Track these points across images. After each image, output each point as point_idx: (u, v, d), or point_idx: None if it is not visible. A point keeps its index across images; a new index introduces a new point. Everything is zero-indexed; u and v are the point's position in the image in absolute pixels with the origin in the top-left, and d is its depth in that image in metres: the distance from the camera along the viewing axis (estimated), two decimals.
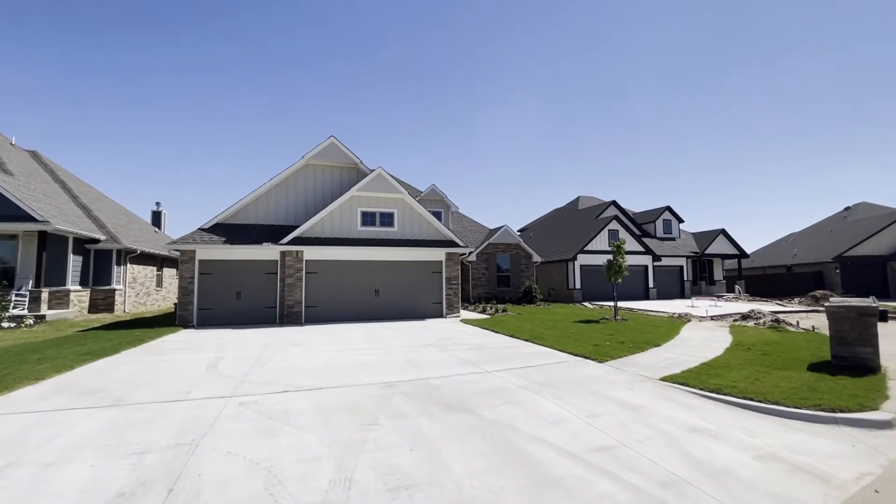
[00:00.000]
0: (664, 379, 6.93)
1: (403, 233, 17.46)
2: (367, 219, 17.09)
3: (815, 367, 7.45)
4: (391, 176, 17.48)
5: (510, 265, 25.90)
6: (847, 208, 39.25)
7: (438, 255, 17.62)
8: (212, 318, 14.76)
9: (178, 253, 16.27)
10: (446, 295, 17.57)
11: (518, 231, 43.32)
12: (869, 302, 7.66)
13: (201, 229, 15.84)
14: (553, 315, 17.59)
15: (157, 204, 30.81)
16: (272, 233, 16.30)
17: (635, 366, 7.98)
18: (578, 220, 33.29)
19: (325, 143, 17.68)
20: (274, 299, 15.51)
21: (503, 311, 19.09)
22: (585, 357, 8.74)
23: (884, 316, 14.63)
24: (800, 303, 23.18)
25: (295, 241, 15.66)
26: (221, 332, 12.87)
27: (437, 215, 25.37)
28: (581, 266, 26.71)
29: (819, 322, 15.13)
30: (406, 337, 11.89)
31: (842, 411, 5.22)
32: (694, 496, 3.45)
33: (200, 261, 14.93)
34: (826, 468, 4.00)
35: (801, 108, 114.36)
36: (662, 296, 28.32)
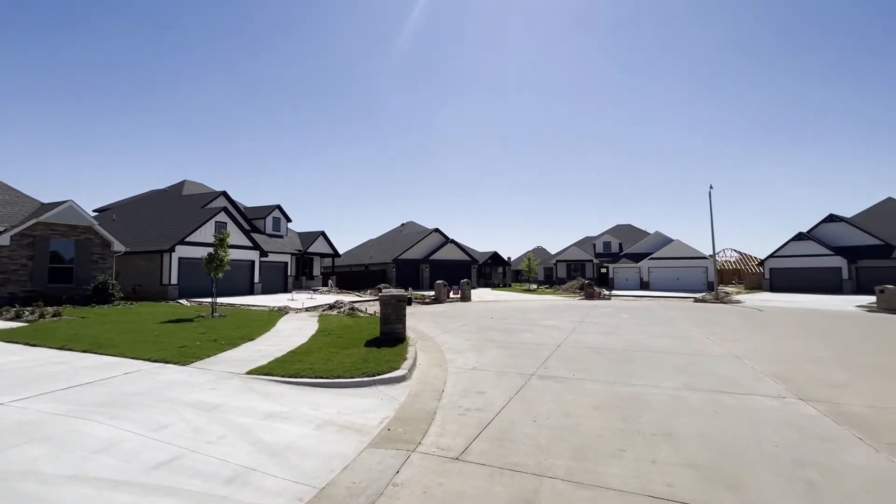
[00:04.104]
0: (250, 372, 7.06)
1: None
2: None
3: (370, 343, 9.62)
4: None
5: (76, 254, 19.64)
6: (402, 224, 53.85)
7: None
8: None
9: None
10: None
11: (94, 211, 33.77)
12: (403, 291, 10.68)
13: None
14: (135, 316, 14.63)
15: None
16: None
17: (224, 363, 7.73)
18: (181, 206, 29.44)
19: None
20: None
21: (55, 315, 14.17)
22: (166, 362, 7.69)
23: (410, 301, 21.01)
24: (371, 294, 29.69)
25: None
26: None
27: None
28: (180, 259, 23.68)
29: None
30: None
31: (379, 374, 6.96)
32: (256, 481, 3.61)
33: None
34: (363, 421, 5.18)
35: (387, 146, 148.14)
36: (268, 290, 29.19)
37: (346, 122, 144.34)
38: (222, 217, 26.30)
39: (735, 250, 52.37)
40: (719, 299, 26.67)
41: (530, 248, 68.90)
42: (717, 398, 6.21)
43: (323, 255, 37.98)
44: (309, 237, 36.89)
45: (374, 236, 54.75)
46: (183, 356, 8.07)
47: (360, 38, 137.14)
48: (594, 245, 54.33)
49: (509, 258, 60.99)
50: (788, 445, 4.52)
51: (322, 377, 6.77)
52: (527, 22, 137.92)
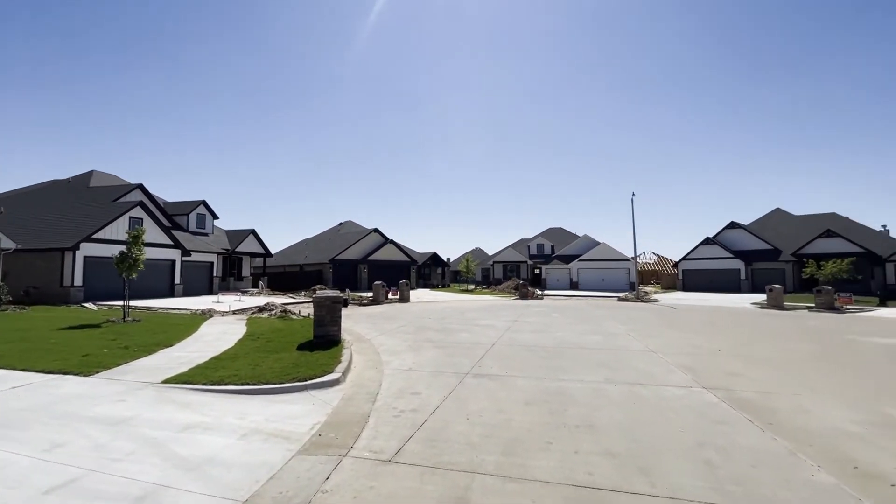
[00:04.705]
0: (167, 381, 6.52)
1: None
2: None
3: (302, 347, 9.27)
4: None
5: None
6: (340, 224, 52.51)
7: None
8: None
9: None
10: None
11: None
12: (339, 293, 10.42)
13: None
14: (27, 322, 12.93)
15: None
16: None
17: (136, 372, 7.07)
18: (88, 199, 26.50)
19: None
20: None
21: None
22: (65, 373, 6.87)
23: (346, 302, 20.56)
24: (305, 295, 28.61)
25: None
26: None
27: None
28: (86, 258, 21.32)
29: None
30: None
31: (311, 379, 6.73)
32: (170, 499, 3.34)
33: None
34: (292, 428, 4.98)
35: (312, 146, 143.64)
36: (191, 292, 27.12)
37: (281, 118, 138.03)
38: (138, 212, 24.07)
39: (654, 253, 56.96)
40: (639, 298, 28.87)
41: (469, 250, 70.05)
42: (634, 390, 6.72)
43: (253, 255, 35.99)
44: (238, 235, 34.77)
45: (310, 236, 52.87)
46: (86, 366, 7.26)
47: (311, 35, 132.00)
48: (528, 247, 56.47)
49: (448, 259, 61.62)
50: (692, 430, 5.00)
51: (249, 384, 6.42)
52: (467, 25, 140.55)
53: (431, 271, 54.70)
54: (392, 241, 44.57)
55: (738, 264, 39.72)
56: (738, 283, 39.13)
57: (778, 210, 45.83)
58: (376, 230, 44.36)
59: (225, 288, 31.52)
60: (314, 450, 4.36)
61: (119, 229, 22.42)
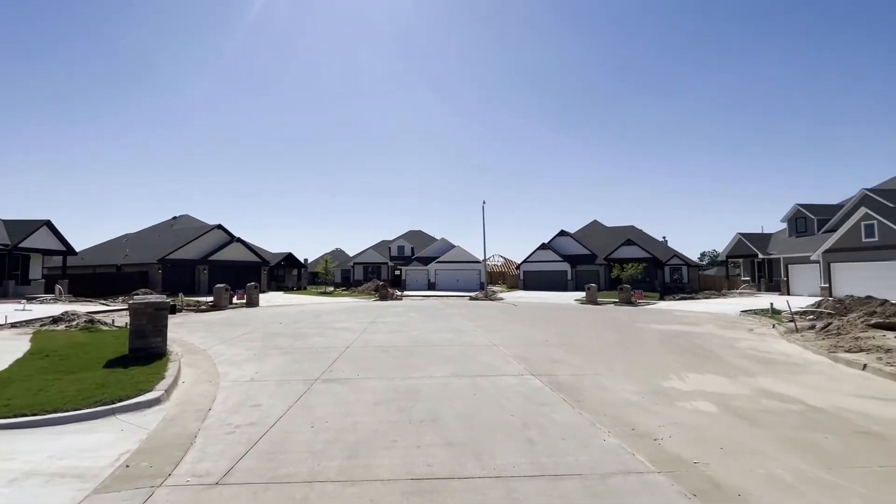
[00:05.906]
0: None
1: None
2: None
3: (112, 363, 7.75)
4: None
5: None
6: (175, 218, 45.53)
7: None
8: None
9: None
10: None
11: None
12: (166, 297, 9.02)
13: None
14: None
15: None
16: None
17: None
18: None
19: None
20: None
21: None
22: None
23: (175, 309, 17.98)
24: (123, 301, 23.99)
25: None
26: None
27: None
28: None
29: None
30: None
31: (121, 401, 5.67)
32: None
33: None
34: (89, 463, 4.12)
35: (180, 124, 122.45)
36: None
37: (105, 89, 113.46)
38: None
39: (501, 256, 62.86)
40: (488, 297, 31.55)
41: (329, 250, 67.50)
42: (476, 382, 7.31)
43: (48, 253, 28.78)
44: (24, 227, 27.33)
45: (133, 231, 44.56)
46: None
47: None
48: (390, 248, 56.99)
49: (306, 260, 58.42)
50: (520, 413, 5.66)
51: (26, 414, 5.10)
52: (329, 25, 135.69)
53: (286, 273, 51.16)
54: (239, 240, 40.33)
55: (565, 266, 46.36)
56: (565, 283, 45.65)
57: (595, 221, 54.96)
58: (220, 226, 39.63)
59: (3, 294, 24.54)
60: (118, 485, 3.69)
61: None
